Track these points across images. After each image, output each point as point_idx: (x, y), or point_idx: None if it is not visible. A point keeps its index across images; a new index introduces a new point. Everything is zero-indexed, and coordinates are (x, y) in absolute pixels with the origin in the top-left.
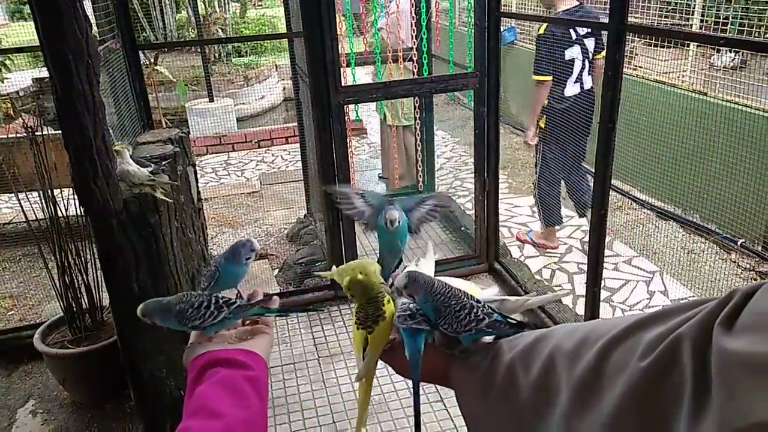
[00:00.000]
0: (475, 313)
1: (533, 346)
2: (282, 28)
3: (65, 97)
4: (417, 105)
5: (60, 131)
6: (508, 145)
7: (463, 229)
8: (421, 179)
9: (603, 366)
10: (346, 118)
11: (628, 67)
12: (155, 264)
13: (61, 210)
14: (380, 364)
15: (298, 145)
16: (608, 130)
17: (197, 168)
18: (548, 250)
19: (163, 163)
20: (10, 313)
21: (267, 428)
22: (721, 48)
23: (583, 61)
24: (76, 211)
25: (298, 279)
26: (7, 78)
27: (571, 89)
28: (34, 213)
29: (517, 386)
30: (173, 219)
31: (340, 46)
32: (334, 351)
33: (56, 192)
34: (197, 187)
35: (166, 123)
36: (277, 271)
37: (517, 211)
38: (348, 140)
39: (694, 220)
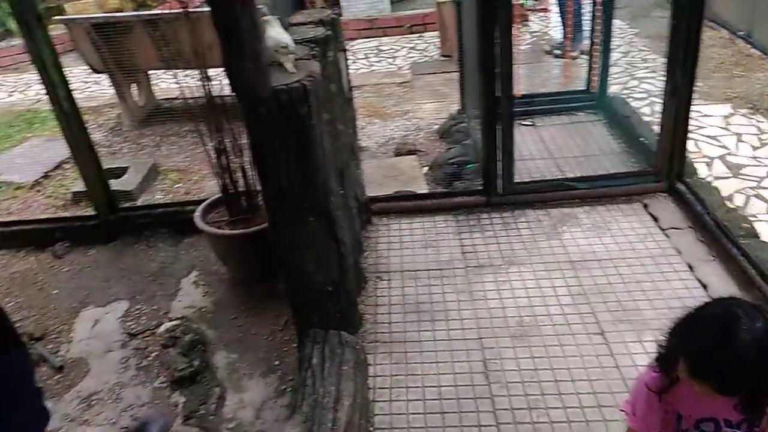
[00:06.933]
0: None
1: None
2: None
3: None
4: None
5: None
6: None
7: (641, 140)
8: (596, 79)
9: None
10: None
11: None
12: (305, 158)
13: (216, 91)
14: None
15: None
16: None
17: (348, 54)
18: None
19: (314, 47)
20: (177, 186)
21: None
22: None
23: None
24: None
25: (447, 180)
26: None
27: None
28: (195, 92)
29: None
30: (323, 110)
31: None
32: (483, 262)
33: (213, 72)
34: (348, 75)
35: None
36: (426, 169)
37: (707, 121)
38: (513, 28)
39: None
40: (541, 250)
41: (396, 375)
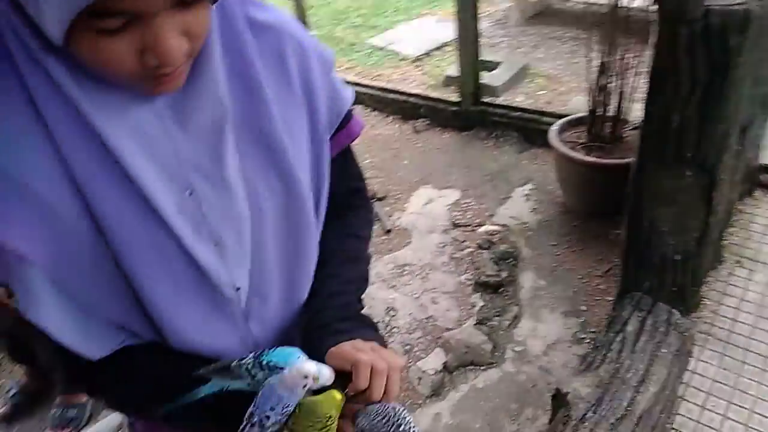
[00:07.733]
0: None
1: None
2: None
3: None
4: None
5: None
6: None
7: None
8: None
9: None
10: None
11: None
12: (713, 100)
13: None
14: None
15: None
16: None
17: None
18: None
19: None
20: (540, 92)
21: None
22: None
23: None
24: (642, 6)
25: None
26: None
27: None
28: None
29: None
30: (756, 47)
31: None
32: None
33: None
34: None
35: None
36: None
37: None
38: None
39: None
40: None
41: (720, 383)
